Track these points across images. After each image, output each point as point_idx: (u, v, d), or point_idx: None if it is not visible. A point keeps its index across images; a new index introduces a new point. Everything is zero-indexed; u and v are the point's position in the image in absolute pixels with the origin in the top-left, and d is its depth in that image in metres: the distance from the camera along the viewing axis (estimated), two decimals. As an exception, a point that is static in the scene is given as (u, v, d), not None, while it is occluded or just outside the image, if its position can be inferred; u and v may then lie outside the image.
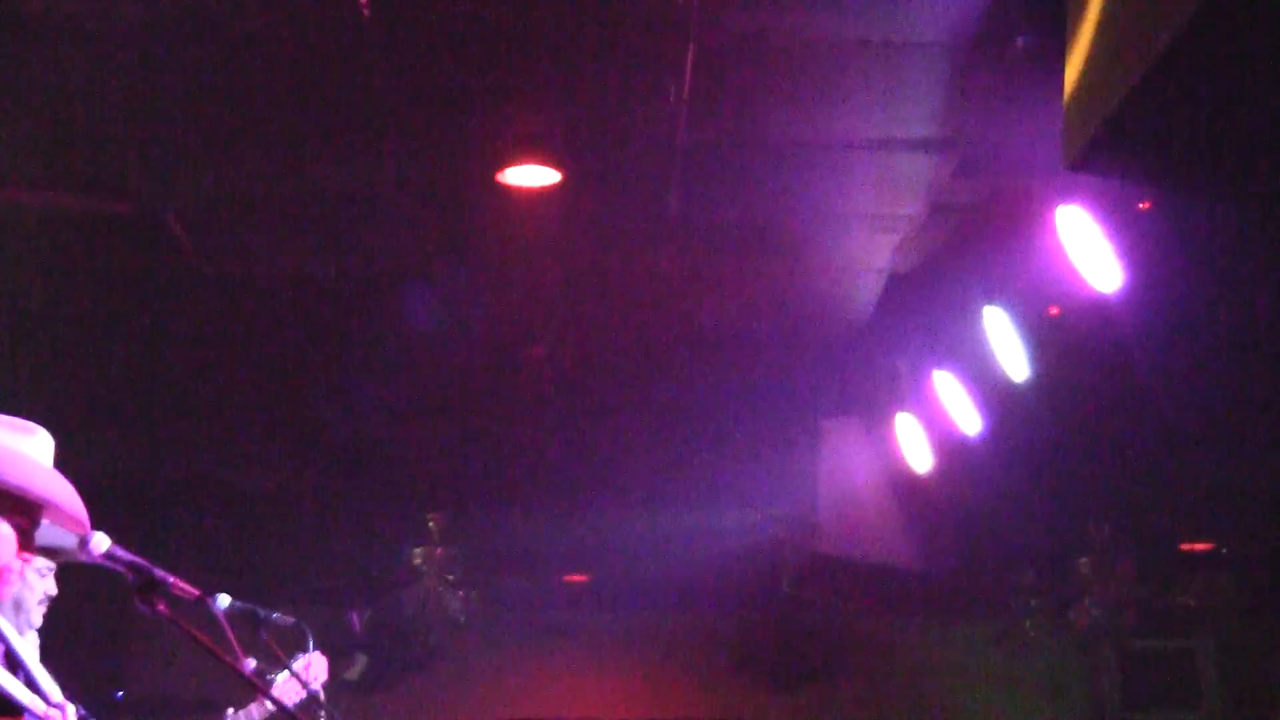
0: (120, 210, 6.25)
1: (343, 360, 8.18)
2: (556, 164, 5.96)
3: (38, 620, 4.07)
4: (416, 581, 11.37)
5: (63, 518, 3.49)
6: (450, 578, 11.43)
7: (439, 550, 11.17)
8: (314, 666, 5.84)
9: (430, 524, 11.00)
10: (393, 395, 8.69)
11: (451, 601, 11.56)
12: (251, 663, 5.40)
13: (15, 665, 3.50)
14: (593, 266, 6.98)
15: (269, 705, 5.60)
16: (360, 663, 11.66)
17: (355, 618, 11.53)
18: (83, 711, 3.68)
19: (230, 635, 4.90)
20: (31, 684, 3.48)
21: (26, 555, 3.46)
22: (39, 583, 4.05)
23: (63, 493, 3.46)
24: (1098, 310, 5.79)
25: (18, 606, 3.96)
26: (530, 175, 6.04)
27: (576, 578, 12.86)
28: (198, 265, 6.86)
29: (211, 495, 9.83)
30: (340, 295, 7.32)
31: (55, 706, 3.46)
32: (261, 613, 5.31)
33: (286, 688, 5.64)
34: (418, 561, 11.23)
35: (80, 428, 3.38)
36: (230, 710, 5.40)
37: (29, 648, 3.60)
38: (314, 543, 11.63)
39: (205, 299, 7.29)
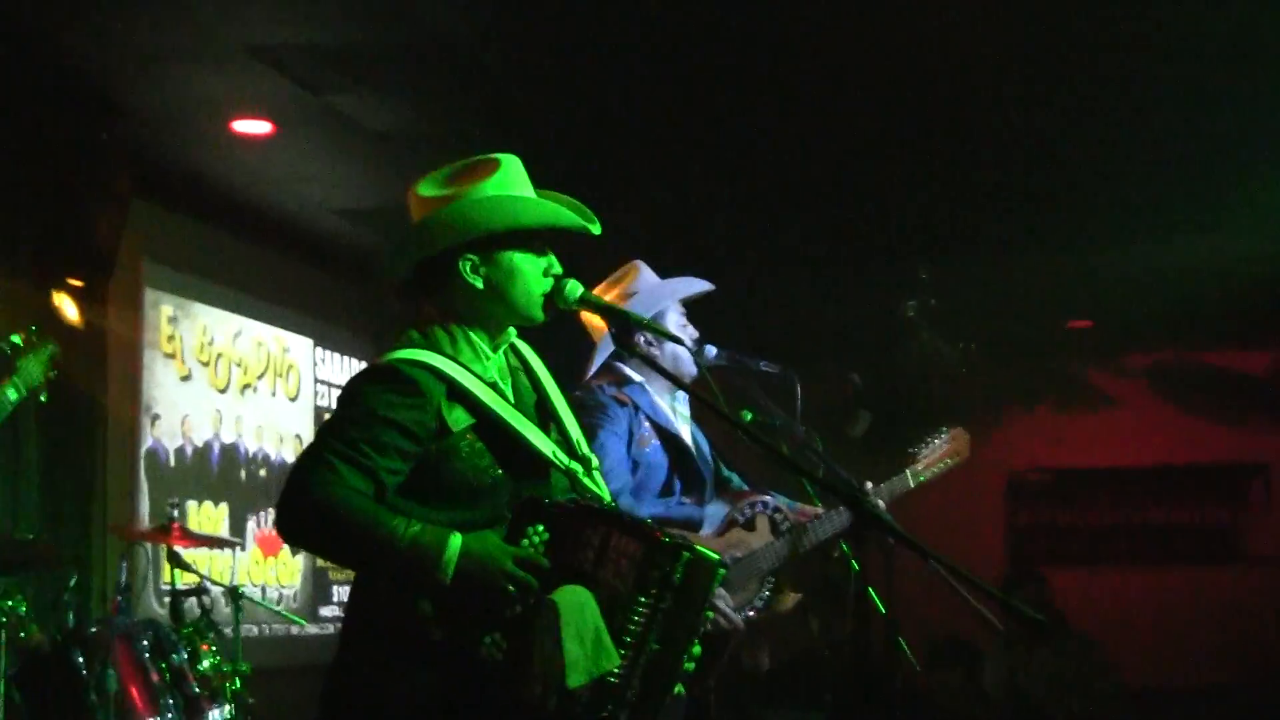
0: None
1: (823, 104, 7.94)
2: None
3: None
4: (912, 335, 11.24)
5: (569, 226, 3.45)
6: (946, 329, 11.25)
7: (932, 302, 10.96)
8: (958, 440, 5.42)
9: (922, 276, 10.76)
10: (876, 142, 8.45)
11: (949, 354, 11.40)
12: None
13: (547, 416, 3.48)
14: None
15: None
16: (864, 419, 11.70)
17: (855, 375, 11.52)
18: None
19: (714, 385, 4.90)
20: (563, 435, 3.46)
21: None
22: None
23: (564, 212, 3.43)
24: None
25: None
26: None
27: (1080, 324, 12.44)
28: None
29: (696, 257, 9.86)
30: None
31: (579, 460, 3.42)
32: (748, 360, 5.26)
33: (932, 456, 5.32)
34: (911, 315, 11.07)
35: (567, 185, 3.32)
36: (869, 484, 5.12)
37: (559, 395, 3.56)
38: (807, 303, 11.65)
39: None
